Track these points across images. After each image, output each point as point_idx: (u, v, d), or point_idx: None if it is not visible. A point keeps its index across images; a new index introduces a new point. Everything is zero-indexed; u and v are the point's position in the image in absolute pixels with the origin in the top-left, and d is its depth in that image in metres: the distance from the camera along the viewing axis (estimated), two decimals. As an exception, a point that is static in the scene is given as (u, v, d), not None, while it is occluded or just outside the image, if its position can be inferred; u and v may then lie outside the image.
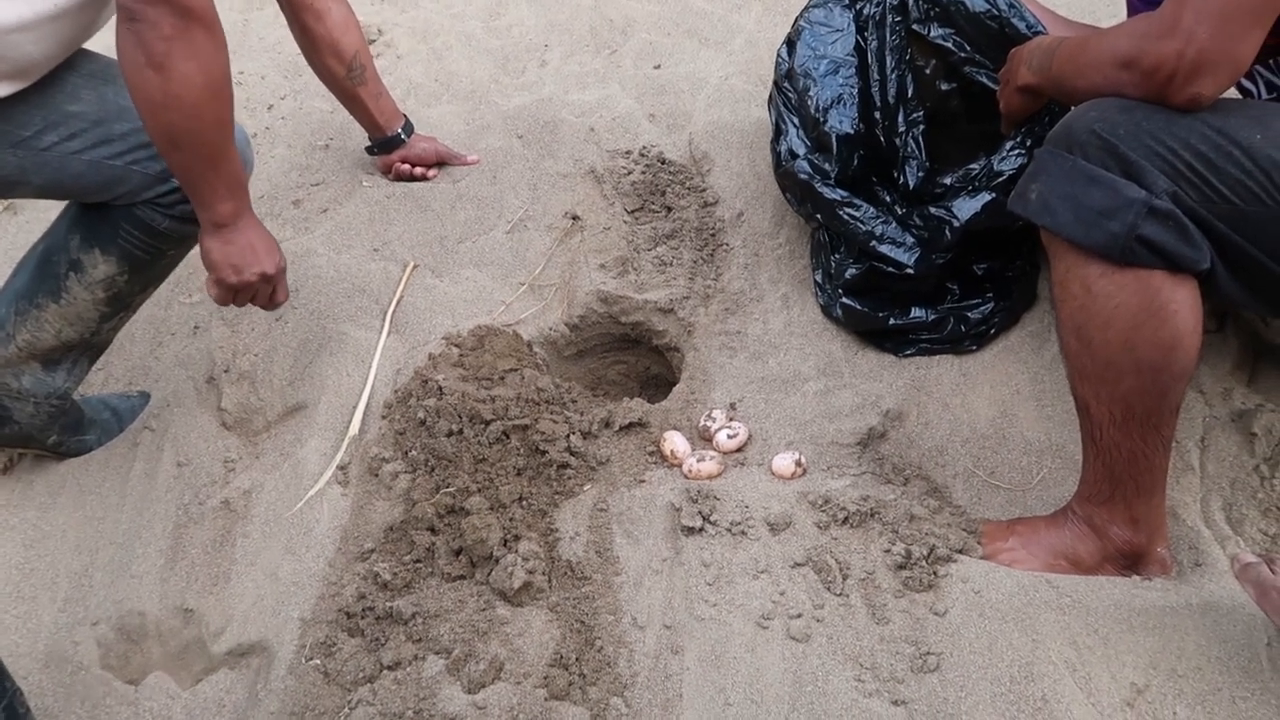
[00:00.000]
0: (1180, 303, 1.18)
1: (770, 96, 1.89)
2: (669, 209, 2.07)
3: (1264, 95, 1.43)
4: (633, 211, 2.08)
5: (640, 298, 1.90)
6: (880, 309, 1.70)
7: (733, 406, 1.70)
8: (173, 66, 1.29)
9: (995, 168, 1.64)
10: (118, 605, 1.55)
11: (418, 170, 2.22)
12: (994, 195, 1.61)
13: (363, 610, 1.41)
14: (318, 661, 1.38)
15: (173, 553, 1.60)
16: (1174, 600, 1.26)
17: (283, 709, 1.34)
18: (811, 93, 1.76)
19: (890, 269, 1.66)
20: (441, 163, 2.24)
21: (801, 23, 1.84)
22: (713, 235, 2.00)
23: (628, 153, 2.20)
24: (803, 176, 1.72)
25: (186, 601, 1.54)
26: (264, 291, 1.58)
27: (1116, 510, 1.31)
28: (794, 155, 1.75)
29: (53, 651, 1.51)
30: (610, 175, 2.14)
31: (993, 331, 1.69)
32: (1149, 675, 1.20)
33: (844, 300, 1.72)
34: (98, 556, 1.64)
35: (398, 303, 1.91)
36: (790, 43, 1.86)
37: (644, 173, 2.14)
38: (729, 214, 2.03)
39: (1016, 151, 1.62)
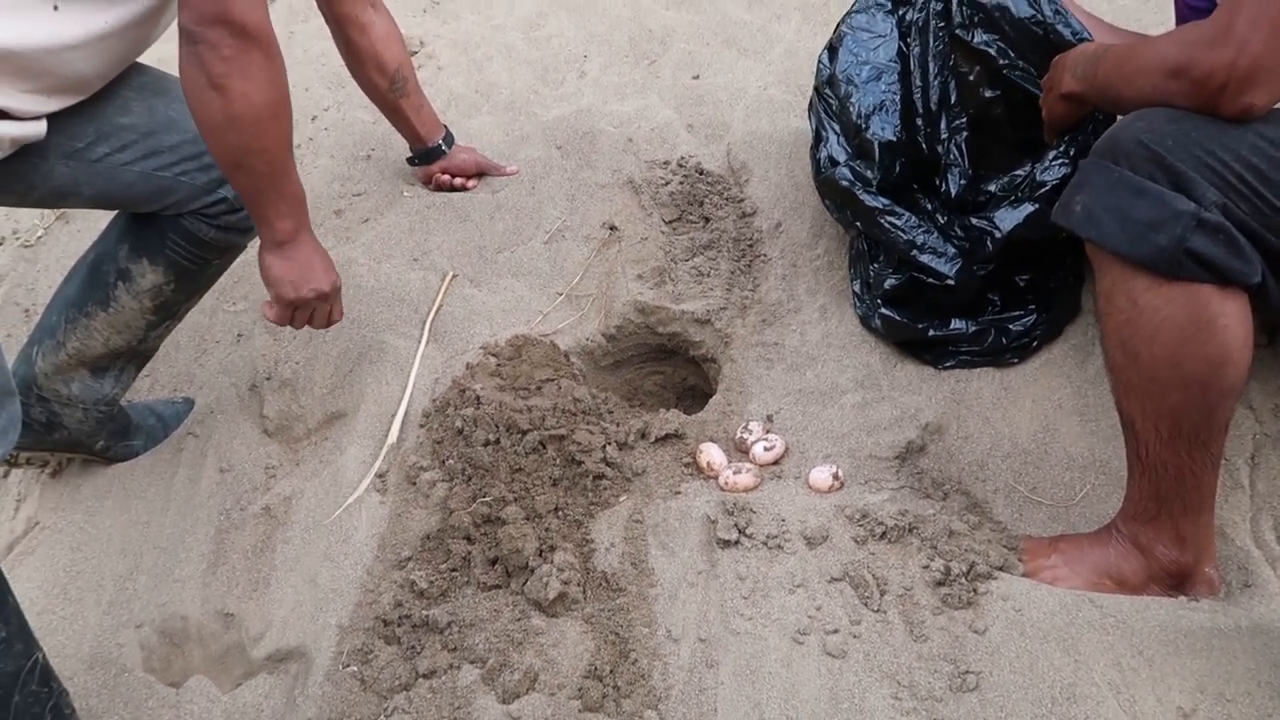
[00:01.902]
0: (1230, 317, 1.15)
1: (810, 103, 1.88)
2: (707, 219, 2.06)
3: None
4: (670, 222, 2.08)
5: (677, 308, 1.90)
6: (919, 320, 1.68)
7: (769, 418, 1.69)
8: (232, 87, 1.31)
9: (1038, 178, 1.61)
10: (161, 609, 1.58)
11: (458, 181, 2.24)
12: (1037, 206, 1.58)
13: (399, 618, 1.42)
14: (355, 668, 1.39)
15: (215, 558, 1.63)
16: (1222, 622, 1.23)
17: (320, 715, 1.35)
18: (853, 99, 1.74)
19: (931, 279, 1.64)
20: (481, 173, 2.26)
21: (844, 28, 1.83)
22: (750, 246, 1.99)
23: (666, 163, 2.20)
24: (844, 183, 1.70)
25: (227, 606, 1.56)
26: (321, 310, 1.60)
27: (1163, 529, 1.28)
28: (834, 162, 1.74)
29: (97, 653, 1.54)
30: (648, 185, 2.15)
31: (1035, 344, 1.66)
32: (1196, 699, 1.18)
33: (883, 311, 1.70)
34: (142, 560, 1.67)
35: (436, 312, 1.93)
36: (832, 48, 1.84)
37: (682, 183, 2.14)
38: (767, 224, 2.02)
39: (1060, 161, 1.59)
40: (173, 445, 1.84)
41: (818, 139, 1.80)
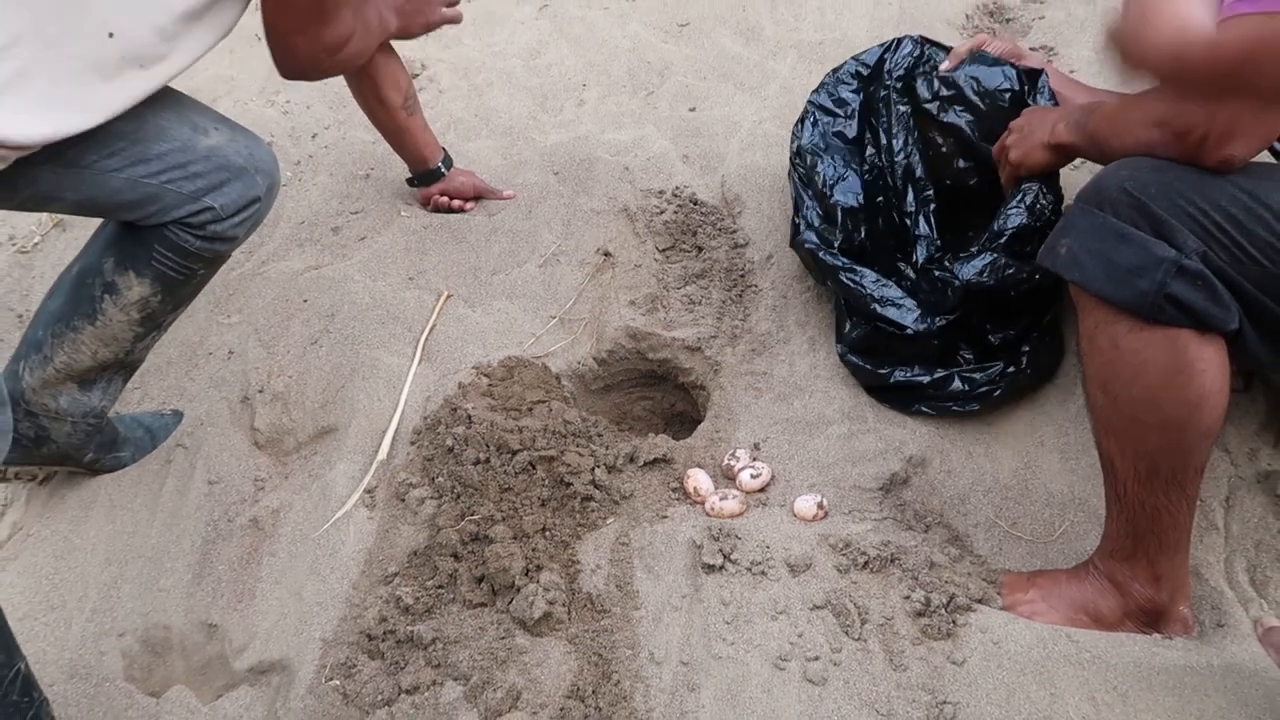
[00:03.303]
0: (1207, 362, 1.19)
1: (788, 171, 1.96)
2: (700, 249, 2.10)
3: (1295, 159, 1.45)
4: (664, 250, 2.11)
5: (668, 335, 1.92)
6: (882, 366, 1.72)
7: (756, 447, 1.71)
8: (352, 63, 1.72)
9: (995, 228, 1.63)
10: (144, 618, 1.58)
11: (455, 203, 2.27)
12: (994, 255, 1.61)
13: (384, 633, 1.43)
14: (337, 682, 1.39)
15: (200, 568, 1.63)
16: (1195, 660, 1.26)
17: (301, 728, 1.36)
18: (819, 169, 1.85)
19: (892, 329, 1.68)
20: (478, 196, 2.29)
21: (810, 103, 1.94)
22: (742, 276, 2.03)
23: (661, 192, 2.23)
24: (809, 246, 1.79)
25: (211, 617, 1.56)
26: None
27: (1139, 567, 1.31)
28: (810, 226, 1.82)
29: (78, 661, 1.54)
30: (643, 214, 2.18)
31: (997, 394, 1.65)
32: (1168, 735, 1.20)
33: (850, 357, 1.76)
34: (126, 569, 1.67)
35: (430, 331, 1.95)
36: (802, 121, 1.94)
37: (676, 212, 2.17)
38: (759, 256, 2.05)
39: (1015, 209, 1.62)
40: (161, 456, 1.84)
41: (797, 205, 1.88)
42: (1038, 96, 1.71)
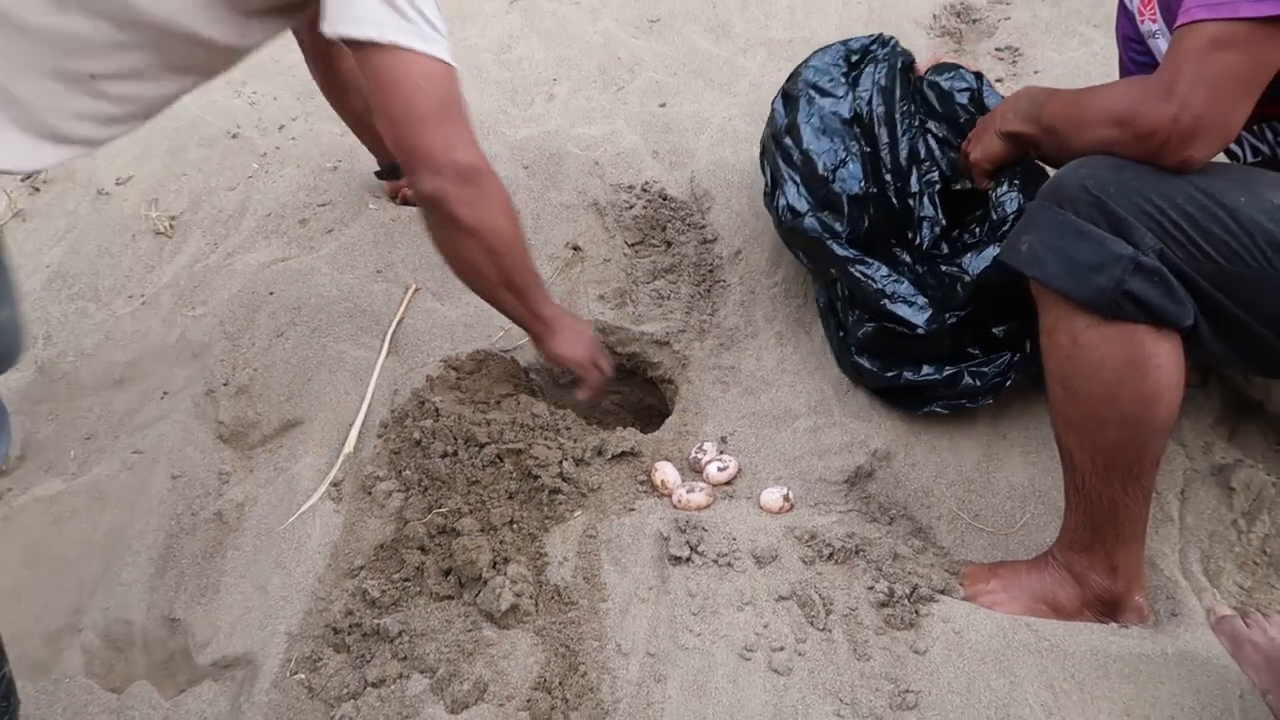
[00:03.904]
0: (1163, 357, 1.21)
1: (764, 149, 1.87)
2: (669, 244, 2.10)
3: (1249, 159, 1.48)
4: (633, 245, 2.12)
5: (637, 329, 1.93)
6: (890, 368, 1.67)
7: (724, 440, 1.72)
8: (482, 224, 1.42)
9: (995, 217, 1.61)
10: (104, 613, 1.56)
11: (424, 196, 2.25)
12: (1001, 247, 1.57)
13: (350, 626, 1.43)
14: (302, 676, 1.39)
15: (163, 562, 1.61)
16: (1150, 649, 1.28)
17: (265, 722, 1.35)
18: (815, 151, 1.75)
19: (901, 329, 1.63)
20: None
21: (800, 80, 1.84)
22: (710, 271, 2.04)
23: (630, 187, 2.24)
24: (813, 234, 1.71)
25: (174, 611, 1.55)
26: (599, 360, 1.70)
27: (1096, 558, 1.34)
28: (796, 213, 1.73)
29: (36, 658, 1.52)
30: (612, 208, 2.18)
31: (1008, 383, 1.62)
32: (1123, 722, 1.22)
33: (855, 359, 1.70)
34: (86, 564, 1.65)
35: (398, 324, 1.94)
36: (788, 96, 1.85)
37: (645, 207, 2.18)
38: (727, 251, 2.06)
39: (1007, 194, 1.61)
40: (124, 446, 1.82)
41: (774, 185, 1.79)
42: (985, 92, 1.72)
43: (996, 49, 2.69)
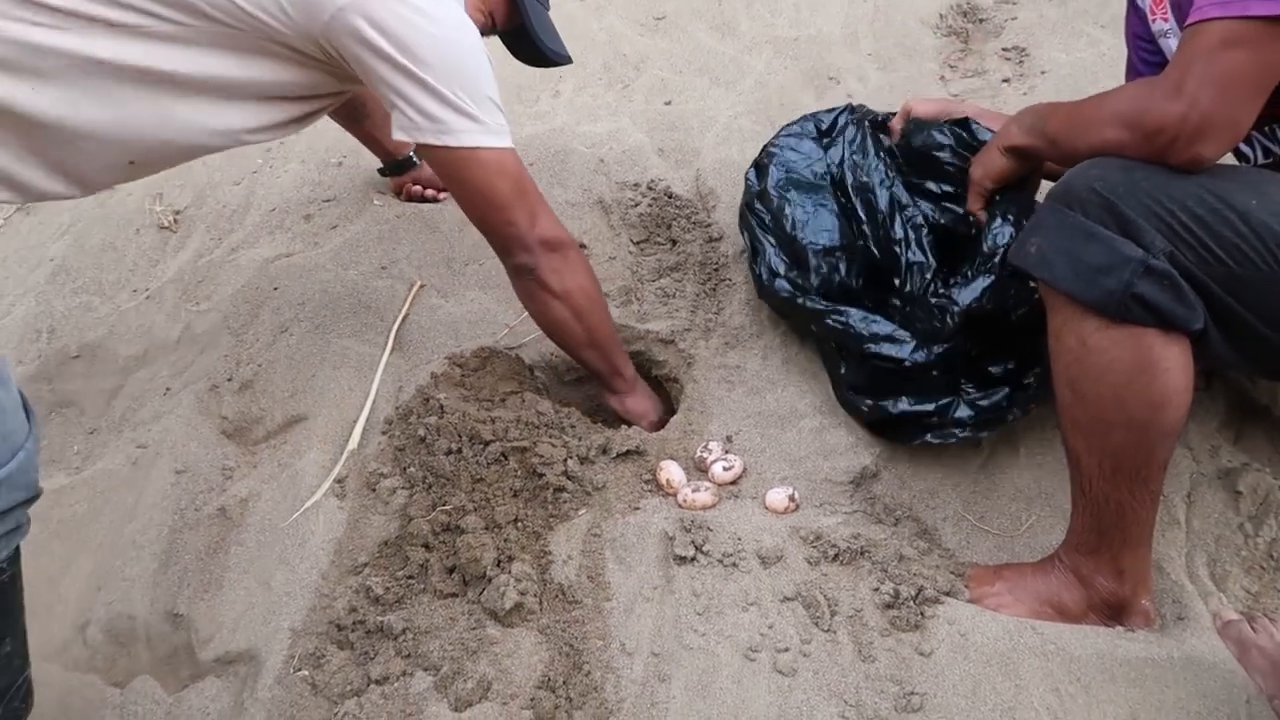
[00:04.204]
0: (1172, 361, 1.21)
1: (741, 218, 1.91)
2: (674, 242, 2.10)
3: (1260, 160, 1.47)
4: (638, 243, 2.11)
5: (642, 328, 1.92)
6: (883, 399, 1.63)
7: (729, 439, 1.72)
8: (570, 289, 1.60)
9: (985, 249, 1.58)
10: (108, 608, 1.56)
11: (429, 192, 2.26)
12: (992, 278, 1.56)
13: (353, 623, 1.42)
14: (306, 673, 1.38)
15: (166, 557, 1.61)
16: (1156, 653, 1.28)
17: (268, 719, 1.34)
18: (786, 211, 1.79)
19: (889, 364, 1.61)
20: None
21: (771, 149, 1.90)
22: (716, 270, 2.03)
23: (636, 185, 2.23)
24: (784, 295, 1.74)
25: (177, 607, 1.54)
26: None
27: (1102, 561, 1.33)
28: (774, 274, 1.77)
29: (39, 652, 1.50)
30: (618, 206, 2.18)
31: (1007, 420, 1.59)
32: (1129, 725, 1.22)
33: (849, 397, 1.69)
34: (89, 559, 1.65)
35: (402, 321, 1.94)
36: (760, 166, 1.90)
37: (651, 205, 2.17)
38: (733, 250, 2.06)
39: (999, 226, 1.58)
40: (127, 441, 1.82)
41: (754, 253, 1.84)
42: (977, 134, 1.68)
43: (1003, 49, 2.68)
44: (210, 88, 1.43)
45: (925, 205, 1.75)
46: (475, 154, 1.46)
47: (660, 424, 1.80)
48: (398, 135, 1.48)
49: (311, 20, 1.38)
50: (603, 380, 1.77)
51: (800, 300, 1.72)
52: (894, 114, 1.85)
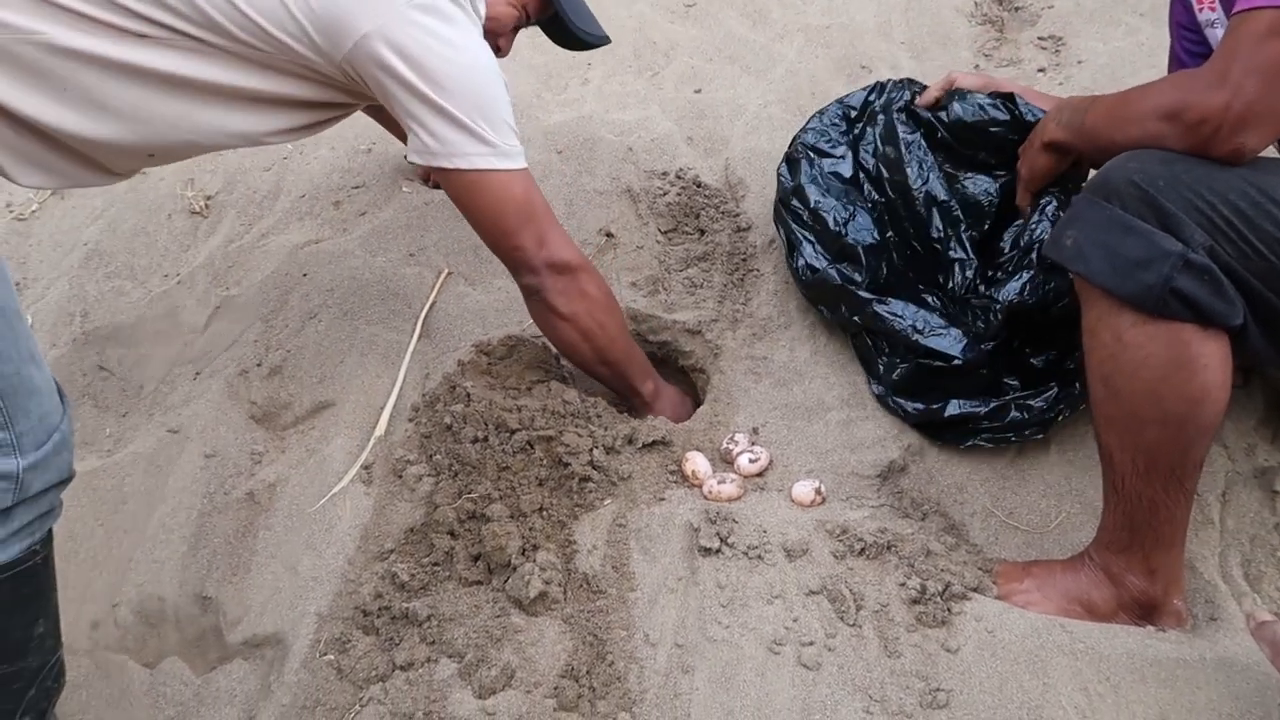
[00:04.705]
0: (1210, 357, 1.18)
1: (776, 214, 1.89)
2: (702, 232, 2.09)
3: (1304, 155, 1.44)
4: (666, 232, 2.10)
5: (669, 318, 1.92)
6: (935, 402, 1.62)
7: (755, 431, 1.71)
8: (577, 312, 1.60)
9: (1024, 244, 1.59)
10: (138, 589, 1.58)
11: (457, 179, 2.25)
12: (1032, 272, 1.57)
13: (379, 609, 1.43)
14: (331, 657, 1.39)
15: (195, 540, 1.63)
16: (1187, 653, 1.26)
17: (294, 702, 1.36)
18: (825, 209, 1.78)
19: (938, 362, 1.61)
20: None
21: (799, 145, 1.88)
22: (744, 260, 2.02)
23: (664, 174, 2.22)
24: (834, 283, 1.72)
25: (206, 590, 1.56)
26: None
27: (1134, 559, 1.31)
28: (814, 269, 1.76)
29: (71, 632, 1.53)
30: (646, 195, 2.17)
31: (1059, 420, 1.57)
32: (1159, 727, 1.20)
33: (895, 398, 1.67)
34: (122, 540, 1.67)
35: (430, 308, 1.94)
36: (791, 161, 1.88)
37: (679, 194, 2.16)
38: (761, 240, 2.04)
39: (1039, 221, 1.59)
40: (158, 425, 1.84)
41: (791, 247, 1.82)
42: (1025, 113, 1.66)
43: (1039, 38, 2.64)
44: (231, 95, 1.45)
45: (972, 181, 1.73)
46: (485, 177, 1.49)
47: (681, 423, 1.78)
48: (412, 158, 1.52)
49: (335, 47, 1.41)
50: (621, 396, 1.78)
51: (851, 289, 1.71)
52: (926, 87, 1.83)
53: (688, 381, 1.96)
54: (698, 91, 2.58)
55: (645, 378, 1.75)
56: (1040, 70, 2.51)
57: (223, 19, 1.36)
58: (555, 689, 1.30)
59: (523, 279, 1.60)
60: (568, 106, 2.59)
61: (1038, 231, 1.57)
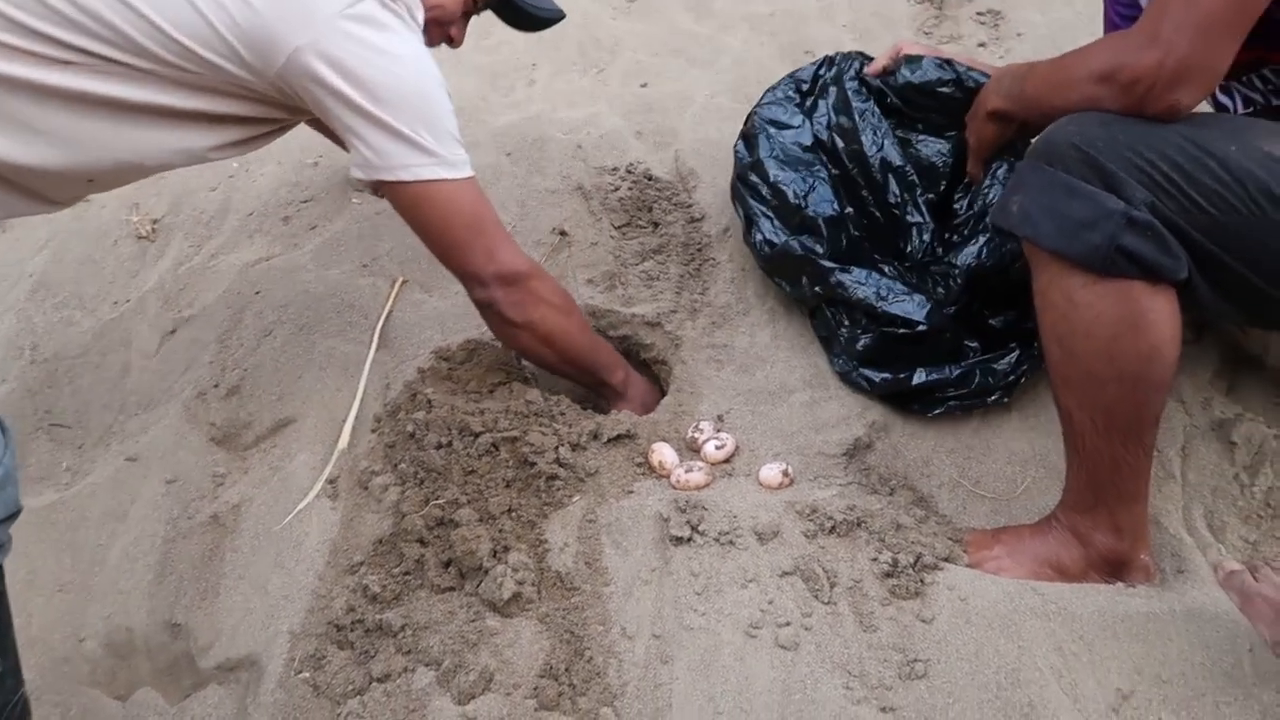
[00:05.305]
0: (1159, 312, 1.20)
1: (733, 190, 1.89)
2: (656, 224, 2.08)
3: (1239, 110, 1.46)
4: (620, 227, 2.10)
5: (628, 311, 1.91)
6: (901, 371, 1.63)
7: (720, 418, 1.71)
8: (533, 320, 1.58)
9: (978, 208, 1.61)
10: (105, 621, 1.55)
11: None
12: (988, 235, 1.59)
13: (352, 623, 1.41)
14: (307, 675, 1.37)
15: (161, 568, 1.60)
16: (1158, 607, 1.28)
17: (272, 723, 1.34)
18: (783, 182, 1.78)
19: (902, 329, 1.62)
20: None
21: (756, 121, 1.88)
22: (699, 250, 2.02)
23: (615, 169, 2.22)
24: (798, 254, 1.72)
25: (174, 616, 1.53)
26: None
27: (1100, 518, 1.33)
28: (773, 244, 1.76)
29: (40, 668, 1.50)
30: (598, 191, 2.16)
31: (1022, 381, 1.60)
32: (1134, 681, 1.22)
33: (862, 370, 1.68)
34: (85, 572, 1.63)
35: (386, 317, 1.92)
36: (748, 137, 1.88)
37: (631, 189, 2.16)
38: (715, 229, 2.05)
39: (990, 185, 1.62)
40: (115, 454, 1.81)
41: (749, 223, 1.82)
42: (965, 79, 1.68)
43: (978, 12, 2.67)
44: (165, 114, 1.42)
45: (924, 144, 1.75)
46: (429, 188, 1.46)
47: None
48: (354, 173, 1.48)
49: (267, 64, 1.37)
50: (592, 390, 1.77)
51: (816, 259, 1.70)
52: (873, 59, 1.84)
53: (650, 374, 1.95)
54: (644, 86, 2.59)
55: (614, 369, 1.74)
56: (981, 45, 2.54)
57: (149, 43, 1.33)
58: (535, 689, 1.29)
59: (474, 294, 1.58)
60: (515, 108, 2.58)
61: (991, 195, 1.60)
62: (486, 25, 2.98)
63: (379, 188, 1.50)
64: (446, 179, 1.46)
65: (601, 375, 1.72)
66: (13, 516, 1.16)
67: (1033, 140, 1.51)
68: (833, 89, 1.83)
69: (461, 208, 1.49)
